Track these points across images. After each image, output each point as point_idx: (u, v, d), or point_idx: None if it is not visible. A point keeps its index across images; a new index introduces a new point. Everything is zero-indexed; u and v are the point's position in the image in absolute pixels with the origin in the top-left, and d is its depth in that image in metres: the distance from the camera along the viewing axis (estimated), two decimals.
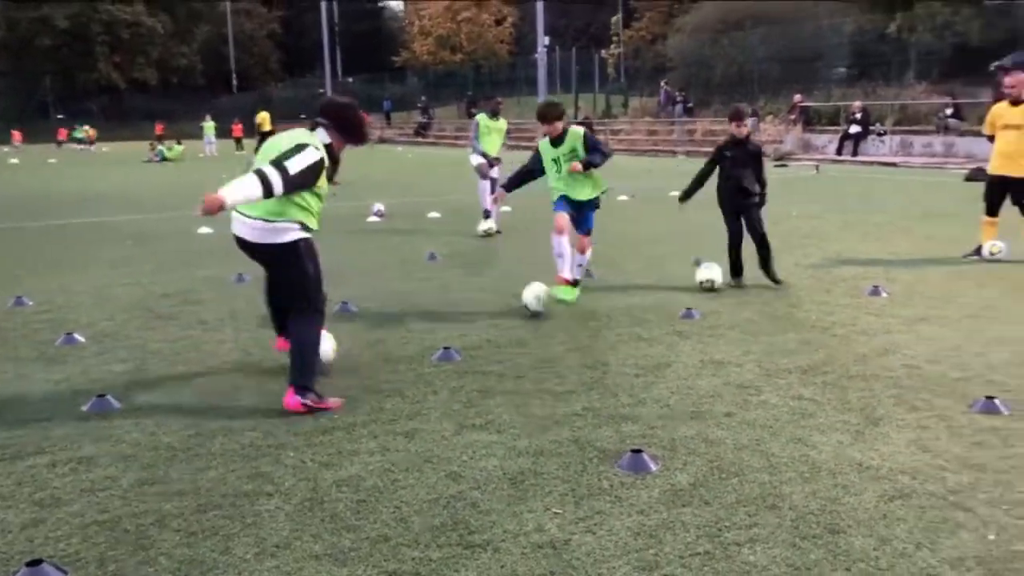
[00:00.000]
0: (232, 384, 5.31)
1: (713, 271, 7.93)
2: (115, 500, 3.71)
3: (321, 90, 58.15)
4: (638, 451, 3.99)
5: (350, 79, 68.69)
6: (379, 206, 14.71)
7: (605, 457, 4.06)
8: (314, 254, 4.92)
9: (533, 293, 7.05)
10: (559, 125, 7.23)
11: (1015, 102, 8.83)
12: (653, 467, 3.92)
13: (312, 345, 4.92)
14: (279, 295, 5.30)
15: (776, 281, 7.96)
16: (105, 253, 10.86)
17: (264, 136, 36.87)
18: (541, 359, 5.75)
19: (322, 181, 4.82)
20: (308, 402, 4.75)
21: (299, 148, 4.64)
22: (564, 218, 7.28)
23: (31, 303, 7.78)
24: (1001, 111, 8.97)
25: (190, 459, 4.14)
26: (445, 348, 5.88)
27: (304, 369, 4.81)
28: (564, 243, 7.21)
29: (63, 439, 4.42)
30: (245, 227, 4.81)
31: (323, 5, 55.59)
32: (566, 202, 7.34)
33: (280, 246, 4.77)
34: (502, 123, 12.39)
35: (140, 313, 7.39)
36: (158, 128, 44.77)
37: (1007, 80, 9.14)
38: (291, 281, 4.92)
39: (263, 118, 34.80)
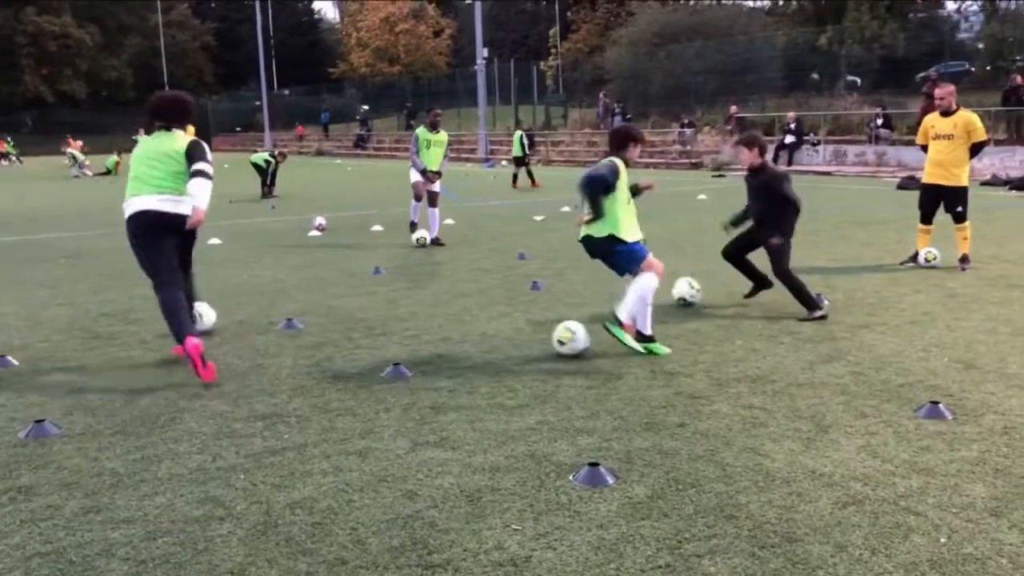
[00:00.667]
0: (176, 406, 5.17)
1: (680, 287, 7.66)
2: (58, 530, 3.57)
3: (258, 102, 57.43)
4: (595, 464, 3.98)
5: (286, 91, 68.00)
6: (321, 220, 14.55)
7: (562, 471, 4.05)
8: None
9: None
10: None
11: (945, 113, 9.09)
12: (610, 480, 3.91)
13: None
14: (179, 261, 6.05)
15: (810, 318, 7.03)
16: (37, 273, 10.54)
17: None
18: (492, 374, 5.73)
19: None
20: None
21: (199, 143, 5.92)
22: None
23: None
24: (932, 121, 9.22)
25: (136, 485, 4.01)
26: (395, 364, 5.81)
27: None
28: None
29: None
30: (163, 202, 5.76)
31: (258, 17, 54.87)
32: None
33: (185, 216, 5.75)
34: (442, 135, 12.32)
35: (77, 334, 7.17)
36: (73, 143, 42.90)
37: (937, 92, 9.41)
38: (189, 245, 6.15)
39: (189, 132, 33.86)
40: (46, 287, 9.46)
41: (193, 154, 5.77)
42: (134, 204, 5.79)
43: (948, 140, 9.02)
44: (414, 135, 12.33)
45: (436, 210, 12.20)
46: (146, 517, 3.67)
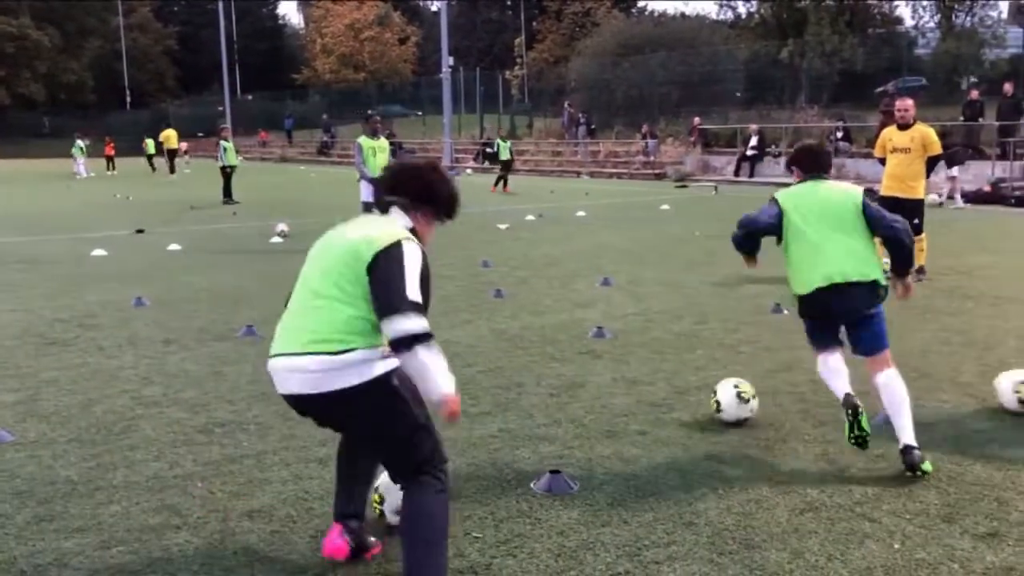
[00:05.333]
0: (133, 413, 5.10)
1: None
2: (9, 539, 3.50)
3: (220, 107, 56.86)
4: (556, 472, 3.99)
5: (249, 96, 67.44)
6: (282, 226, 14.43)
7: (523, 479, 4.05)
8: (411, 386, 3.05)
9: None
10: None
11: (903, 126, 9.25)
12: (571, 487, 3.92)
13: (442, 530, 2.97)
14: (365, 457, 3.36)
15: None
16: None
17: (171, 154, 34.96)
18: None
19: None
20: None
21: (398, 250, 2.91)
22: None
23: None
24: (891, 134, 9.37)
25: (90, 493, 3.95)
26: None
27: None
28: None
29: None
30: (295, 377, 2.95)
31: (221, 22, 54.39)
32: None
33: (356, 388, 2.90)
34: (383, 142, 12.20)
35: (31, 340, 7.04)
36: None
37: (898, 104, 9.56)
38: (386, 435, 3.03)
39: (168, 135, 33.50)
40: (0, 291, 9.28)
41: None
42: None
43: (905, 153, 9.18)
44: (357, 144, 12.07)
45: None
46: (100, 526, 3.61)
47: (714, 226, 14.87)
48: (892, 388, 4.32)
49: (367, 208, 11.85)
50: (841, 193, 4.40)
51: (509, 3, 70.60)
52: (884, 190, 9.55)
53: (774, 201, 4.42)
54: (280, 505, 3.81)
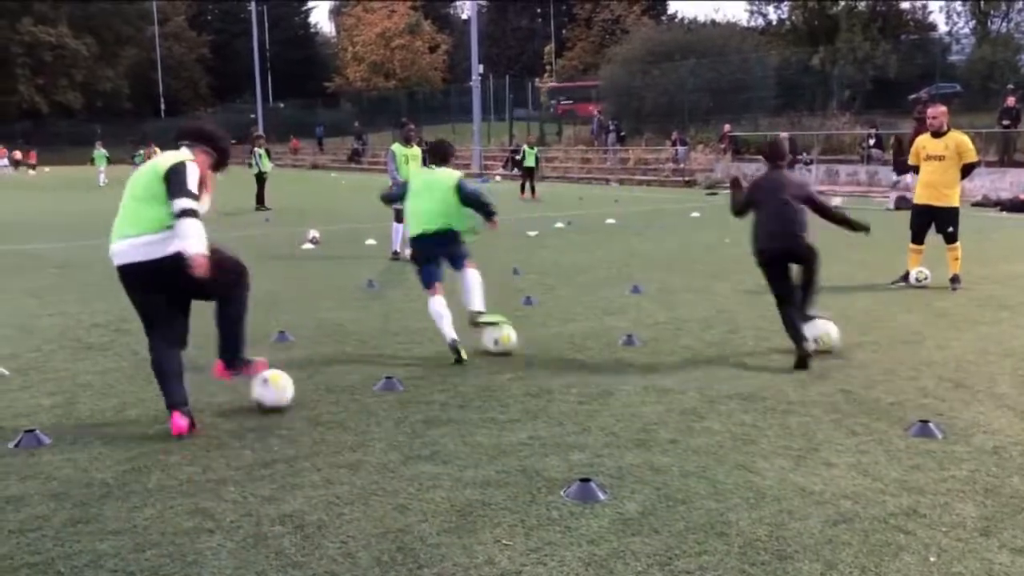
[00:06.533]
0: (166, 416, 5.14)
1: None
2: (47, 541, 3.55)
3: (253, 115, 57.46)
4: (586, 480, 3.98)
5: (281, 104, 68.05)
6: (314, 233, 14.55)
7: (553, 486, 4.05)
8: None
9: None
10: None
11: (936, 134, 9.15)
12: (602, 496, 3.91)
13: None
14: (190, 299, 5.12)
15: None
16: (27, 282, 10.50)
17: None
18: (484, 388, 5.73)
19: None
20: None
21: (183, 166, 4.78)
22: None
23: None
24: (924, 142, 9.28)
25: (125, 496, 4.00)
26: (387, 377, 5.81)
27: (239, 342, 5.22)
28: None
29: None
30: (136, 250, 4.85)
31: (254, 30, 55.05)
32: None
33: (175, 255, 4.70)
34: (416, 150, 12.25)
35: (68, 344, 7.15)
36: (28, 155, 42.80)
37: (930, 112, 9.46)
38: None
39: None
40: (35, 297, 9.43)
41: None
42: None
43: (939, 161, 9.07)
44: (390, 152, 12.21)
45: None
46: (135, 528, 3.65)
47: (744, 234, 14.77)
48: (469, 276, 6.74)
49: (398, 215, 11.94)
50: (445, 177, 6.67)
51: (539, 11, 70.77)
52: (917, 198, 9.45)
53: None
54: (311, 510, 3.83)
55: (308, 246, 13.91)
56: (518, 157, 26.22)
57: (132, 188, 4.89)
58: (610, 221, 17.04)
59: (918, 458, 4.37)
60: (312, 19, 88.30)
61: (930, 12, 41.95)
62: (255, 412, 5.21)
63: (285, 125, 60.59)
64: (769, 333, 7.22)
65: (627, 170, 33.38)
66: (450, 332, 6.42)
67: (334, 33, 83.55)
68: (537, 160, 26.22)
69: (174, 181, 4.69)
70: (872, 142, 26.22)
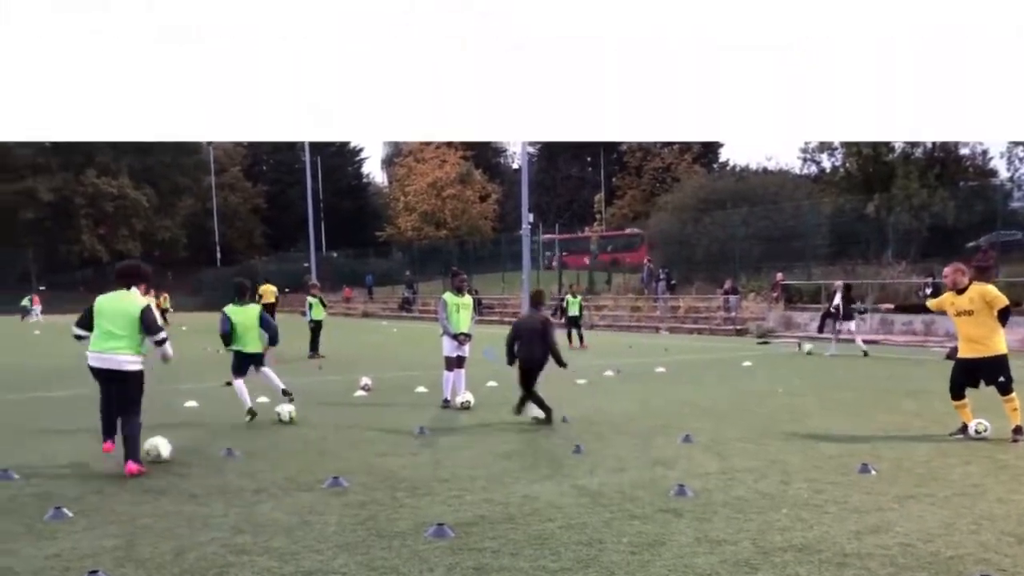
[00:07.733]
0: (225, 560, 5.25)
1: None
2: None
3: (306, 263, 59.09)
4: None
5: (334, 253, 69.66)
6: (366, 380, 14.80)
7: None
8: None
9: None
10: None
11: (959, 290, 9.23)
12: None
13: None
14: (119, 407, 8.05)
15: None
16: (90, 422, 10.78)
17: (270, 309, 36.06)
18: (535, 536, 5.73)
19: None
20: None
21: (148, 308, 7.99)
22: None
23: (17, 476, 7.70)
24: (951, 299, 9.32)
25: None
26: (439, 524, 5.85)
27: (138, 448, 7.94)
28: None
29: None
30: (111, 361, 7.90)
31: (308, 181, 57.37)
32: None
33: (136, 372, 7.96)
34: (467, 299, 12.52)
35: (129, 485, 7.33)
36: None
37: (945, 271, 9.56)
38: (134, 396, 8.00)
39: (266, 290, 34.32)
40: (100, 438, 9.66)
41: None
42: None
43: (969, 316, 9.12)
44: (441, 301, 12.46)
45: (463, 371, 12.42)
46: None
47: (796, 383, 14.70)
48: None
49: (449, 363, 12.18)
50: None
51: (589, 160, 72.80)
52: (961, 352, 9.42)
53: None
54: None
55: (360, 393, 14.12)
56: (564, 306, 26.37)
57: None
58: (660, 369, 17.07)
59: None
60: (365, 169, 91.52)
61: (991, 158, 41.48)
62: (311, 557, 5.27)
63: (338, 274, 62.04)
64: (824, 484, 7.14)
65: (677, 318, 33.49)
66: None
67: (386, 183, 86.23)
68: (581, 308, 26.31)
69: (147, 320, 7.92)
70: (929, 291, 26.03)
